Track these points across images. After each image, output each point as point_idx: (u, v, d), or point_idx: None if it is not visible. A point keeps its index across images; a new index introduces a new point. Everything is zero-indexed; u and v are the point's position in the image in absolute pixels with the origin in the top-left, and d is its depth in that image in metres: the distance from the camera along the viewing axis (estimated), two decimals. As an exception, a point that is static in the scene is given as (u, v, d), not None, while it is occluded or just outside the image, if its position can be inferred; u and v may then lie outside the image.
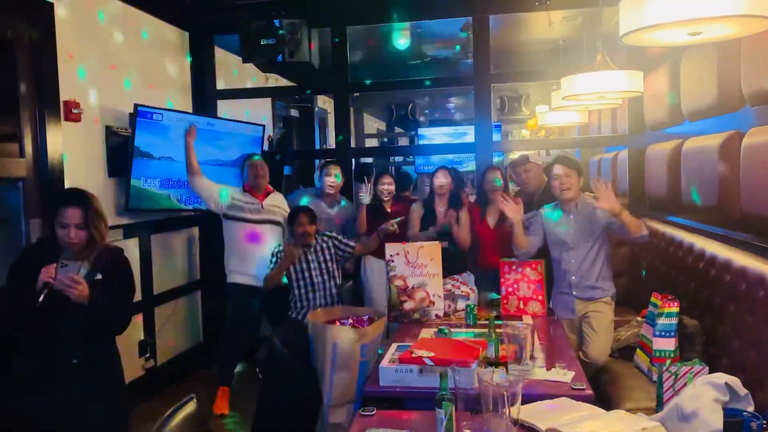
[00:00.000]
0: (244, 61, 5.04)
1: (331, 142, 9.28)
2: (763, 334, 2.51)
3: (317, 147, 8.58)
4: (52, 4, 3.57)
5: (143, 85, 4.51)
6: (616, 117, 5.75)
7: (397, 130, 12.85)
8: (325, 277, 3.96)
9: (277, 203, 4.38)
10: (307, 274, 3.91)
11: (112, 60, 4.18)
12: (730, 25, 2.19)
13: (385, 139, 13.14)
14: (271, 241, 4.23)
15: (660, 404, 2.67)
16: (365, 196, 4.45)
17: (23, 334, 2.46)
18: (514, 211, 3.62)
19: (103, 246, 2.54)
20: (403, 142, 13.16)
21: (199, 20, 5.17)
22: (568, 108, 5.78)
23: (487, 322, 3.47)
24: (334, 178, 4.56)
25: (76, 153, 3.78)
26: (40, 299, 2.27)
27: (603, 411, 2.13)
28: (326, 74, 5.37)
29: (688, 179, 3.59)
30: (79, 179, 3.76)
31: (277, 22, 4.82)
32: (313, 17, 4.92)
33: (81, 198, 2.50)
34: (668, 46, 2.53)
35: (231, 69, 5.86)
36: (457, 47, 6.47)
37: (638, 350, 3.28)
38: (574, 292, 3.53)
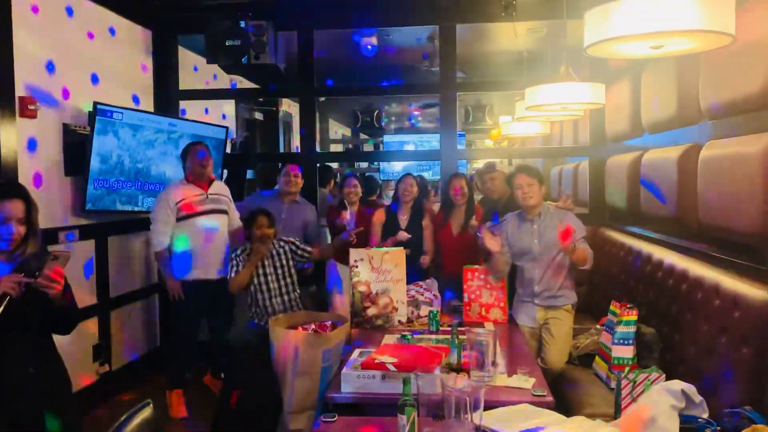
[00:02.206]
0: (209, 61, 4.97)
1: (296, 146, 9.24)
2: (716, 342, 2.57)
3: (281, 151, 8.51)
4: (9, -4, 3.46)
5: (103, 82, 4.40)
6: (578, 128, 5.86)
7: (362, 136, 12.87)
8: (282, 282, 3.90)
9: (221, 191, 4.27)
10: (263, 279, 3.84)
11: (72, 56, 4.07)
12: (691, 39, 2.24)
13: (350, 145, 13.13)
14: (219, 230, 4.14)
15: (618, 411, 2.70)
16: (350, 223, 4.32)
17: None
18: (493, 244, 3.51)
19: (40, 247, 2.32)
20: (368, 148, 13.17)
21: (164, 19, 5.08)
22: (532, 119, 5.86)
23: (450, 328, 3.50)
24: (293, 177, 4.52)
25: (32, 150, 3.66)
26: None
27: (563, 417, 2.15)
28: (291, 77, 5.33)
29: (647, 190, 3.67)
30: (34, 178, 3.65)
31: (242, 24, 4.78)
32: (280, 19, 4.89)
33: (22, 190, 2.28)
34: (631, 58, 2.58)
35: (191, 68, 5.77)
36: (424, 56, 6.50)
37: (597, 358, 3.32)
38: (536, 301, 3.56)
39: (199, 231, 4.03)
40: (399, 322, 3.56)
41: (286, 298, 3.87)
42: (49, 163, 3.86)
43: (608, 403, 2.88)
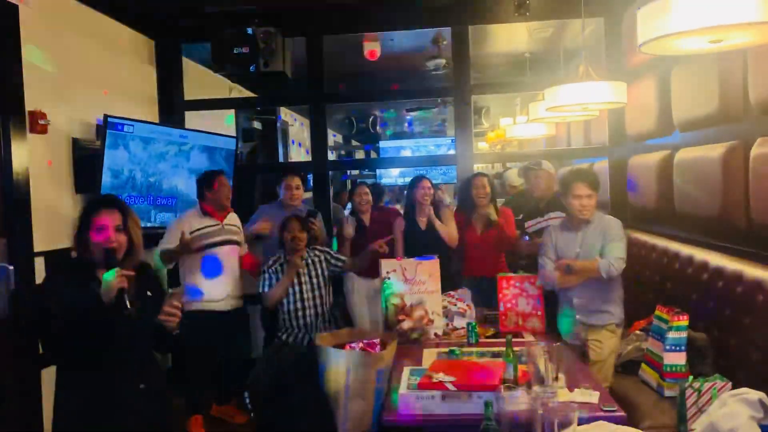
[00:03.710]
0: (215, 70, 4.81)
1: (293, 155, 9.08)
2: (786, 346, 2.47)
3: (281, 159, 8.35)
4: (16, 7, 3.28)
5: (108, 94, 4.21)
6: (590, 128, 5.76)
7: (354, 143, 12.75)
8: (316, 293, 3.77)
9: (235, 222, 4.17)
10: (297, 288, 3.71)
11: (77, 68, 3.89)
12: (754, 32, 2.15)
13: (342, 152, 12.99)
14: (231, 261, 4.03)
15: (683, 422, 2.58)
16: (349, 228, 4.28)
17: (87, 360, 2.17)
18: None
19: (143, 258, 2.35)
20: (359, 155, 13.07)
21: (167, 28, 4.91)
22: (545, 120, 5.74)
23: (487, 340, 3.38)
24: (295, 190, 4.37)
25: (42, 167, 3.48)
26: (128, 306, 2.06)
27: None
28: (296, 85, 5.19)
29: (684, 190, 3.57)
30: (46, 195, 3.48)
31: (250, 31, 4.62)
32: (287, 26, 4.75)
33: (117, 200, 2.31)
34: (688, 53, 2.48)
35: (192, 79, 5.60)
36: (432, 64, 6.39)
37: (644, 365, 3.19)
38: (578, 316, 3.36)
39: (213, 262, 3.90)
40: (435, 334, 3.43)
41: (319, 310, 3.73)
42: (60, 180, 3.69)
43: (666, 414, 2.77)
